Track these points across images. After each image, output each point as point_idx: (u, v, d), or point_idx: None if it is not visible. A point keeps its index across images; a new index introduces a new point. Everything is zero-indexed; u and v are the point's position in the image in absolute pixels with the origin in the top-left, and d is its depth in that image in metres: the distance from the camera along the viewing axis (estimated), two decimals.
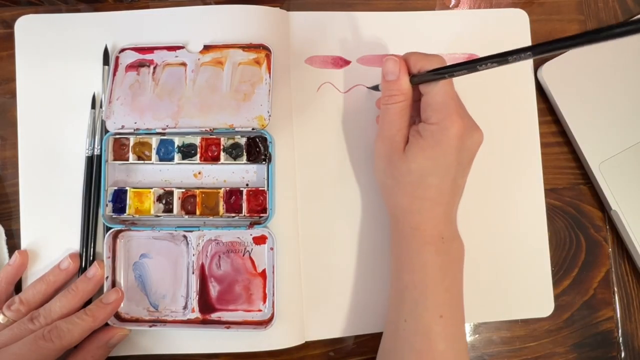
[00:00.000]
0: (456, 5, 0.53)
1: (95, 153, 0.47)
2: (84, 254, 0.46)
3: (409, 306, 0.41)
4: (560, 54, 0.51)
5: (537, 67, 0.52)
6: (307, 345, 0.48)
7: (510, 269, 0.49)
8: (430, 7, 0.53)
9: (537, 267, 0.50)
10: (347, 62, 0.51)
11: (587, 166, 0.50)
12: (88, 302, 0.45)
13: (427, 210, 0.41)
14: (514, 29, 0.53)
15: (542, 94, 0.52)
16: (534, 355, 0.50)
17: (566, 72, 0.51)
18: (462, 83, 0.51)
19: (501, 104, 0.51)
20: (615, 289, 0.51)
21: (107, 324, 0.44)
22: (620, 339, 0.51)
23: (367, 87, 0.50)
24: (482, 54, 0.51)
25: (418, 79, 0.41)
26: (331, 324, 0.48)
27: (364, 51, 0.51)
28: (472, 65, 0.37)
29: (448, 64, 0.39)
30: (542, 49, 0.32)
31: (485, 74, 0.51)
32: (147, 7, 0.50)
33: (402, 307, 0.41)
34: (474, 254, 0.46)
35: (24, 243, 0.47)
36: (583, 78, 0.51)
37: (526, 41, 0.52)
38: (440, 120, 0.39)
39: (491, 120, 0.51)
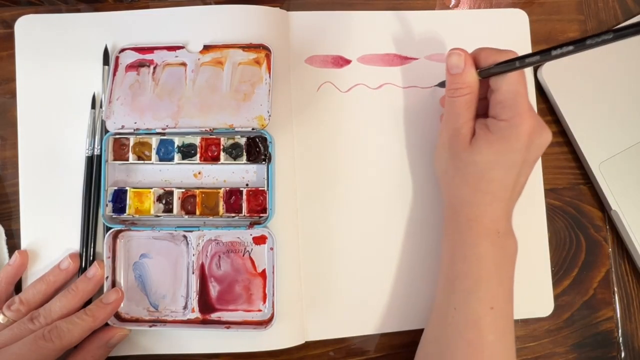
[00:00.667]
0: (456, 5, 0.53)
1: (95, 153, 0.47)
2: (84, 254, 0.46)
3: (461, 295, 0.41)
4: None
5: (537, 67, 0.52)
6: (307, 345, 0.48)
7: None
8: (430, 6, 0.53)
9: (537, 267, 0.50)
10: (347, 62, 0.51)
11: (587, 166, 0.50)
12: (88, 302, 0.45)
13: (487, 204, 0.41)
14: (514, 29, 0.53)
15: (542, 94, 0.52)
16: (534, 355, 0.50)
17: (566, 72, 0.51)
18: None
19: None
20: (615, 289, 0.51)
21: (107, 324, 0.44)
22: (620, 339, 0.51)
23: (435, 85, 0.50)
24: None
25: (487, 72, 0.41)
26: (331, 324, 0.48)
27: (365, 50, 0.51)
28: (545, 52, 0.37)
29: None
30: (625, 33, 0.33)
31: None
32: (147, 7, 0.50)
33: (452, 296, 0.41)
34: None
35: (24, 243, 0.47)
36: (583, 78, 0.51)
37: (526, 41, 0.52)
38: (510, 118, 0.39)
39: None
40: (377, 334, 0.49)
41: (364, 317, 0.48)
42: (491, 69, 0.40)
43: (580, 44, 0.35)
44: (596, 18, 0.54)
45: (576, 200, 0.52)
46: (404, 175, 0.50)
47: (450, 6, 0.53)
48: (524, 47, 0.52)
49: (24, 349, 0.39)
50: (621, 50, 0.52)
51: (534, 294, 0.50)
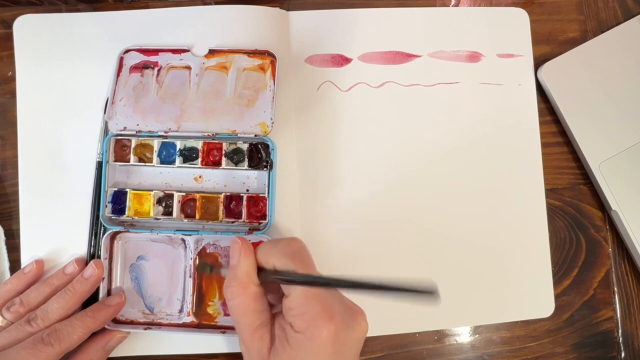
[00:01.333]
0: (456, 4, 0.53)
1: (97, 159, 0.47)
2: (88, 258, 0.46)
3: None
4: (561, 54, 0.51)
5: (537, 67, 0.52)
6: None
7: (510, 269, 0.49)
8: (431, 5, 0.52)
9: (537, 267, 0.50)
10: (347, 60, 0.51)
11: (587, 166, 0.50)
12: (85, 304, 0.44)
13: None
14: (514, 28, 0.52)
15: (542, 94, 0.52)
16: (534, 355, 0.50)
17: (566, 72, 0.51)
18: (461, 82, 0.51)
19: (501, 104, 0.51)
20: (615, 289, 0.51)
21: (104, 328, 0.44)
22: (620, 339, 0.51)
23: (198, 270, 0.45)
24: (482, 51, 0.52)
25: (264, 277, 0.37)
26: None
27: (365, 48, 0.51)
28: (322, 281, 0.35)
29: (289, 274, 0.36)
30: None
31: (485, 74, 0.51)
32: (147, 7, 0.49)
33: None
34: (474, 254, 0.46)
35: (24, 243, 0.47)
36: (583, 78, 0.51)
37: (527, 41, 0.52)
38: (304, 330, 0.34)
39: (491, 120, 0.51)
40: (376, 335, 0.48)
41: None
42: (268, 276, 0.37)
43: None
44: (596, 18, 0.54)
45: (576, 200, 0.52)
46: (406, 177, 0.50)
47: (451, 5, 0.53)
48: (524, 46, 0.52)
49: (22, 353, 0.39)
50: (621, 50, 0.52)
51: (534, 294, 0.50)
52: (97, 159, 0.47)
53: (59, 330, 0.40)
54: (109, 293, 0.45)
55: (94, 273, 0.44)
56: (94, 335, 0.43)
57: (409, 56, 0.51)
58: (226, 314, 0.45)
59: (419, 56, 0.51)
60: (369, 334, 0.48)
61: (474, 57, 0.52)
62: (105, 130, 0.47)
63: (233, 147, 0.46)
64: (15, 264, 0.47)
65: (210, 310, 0.45)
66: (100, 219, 0.46)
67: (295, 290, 0.35)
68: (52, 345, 0.39)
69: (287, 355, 0.35)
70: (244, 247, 0.38)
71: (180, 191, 0.46)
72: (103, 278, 0.45)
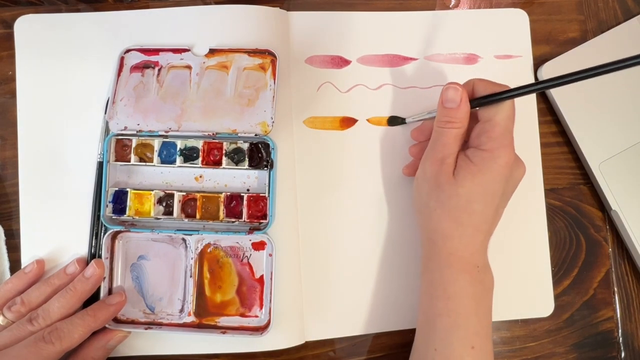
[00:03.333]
0: (456, 5, 0.53)
1: (98, 159, 0.47)
2: (89, 258, 0.46)
3: (441, 335, 0.40)
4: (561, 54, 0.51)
5: (537, 67, 0.52)
6: (307, 345, 0.48)
7: (510, 269, 0.49)
8: (430, 7, 0.52)
9: (537, 267, 0.50)
10: (347, 62, 0.51)
11: (587, 166, 0.50)
12: (86, 303, 0.44)
13: (468, 237, 0.41)
14: (514, 29, 0.53)
15: (542, 94, 0.52)
16: (534, 355, 0.50)
17: (566, 72, 0.51)
18: (461, 82, 0.51)
19: None
20: (615, 289, 0.51)
21: (105, 327, 0.44)
22: (620, 339, 0.51)
23: (389, 125, 0.50)
24: (482, 54, 0.52)
25: (478, 102, 0.41)
26: (331, 324, 0.48)
27: (364, 51, 0.51)
28: (540, 85, 0.39)
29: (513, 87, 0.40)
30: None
31: (484, 74, 0.51)
32: (147, 7, 0.49)
33: (432, 336, 0.41)
34: None
35: (24, 243, 0.47)
36: None
37: (526, 41, 0.52)
38: (494, 149, 0.40)
39: None
40: (377, 334, 0.49)
41: (363, 317, 0.48)
42: (484, 100, 0.41)
43: (582, 74, 0.37)
44: (596, 18, 0.54)
45: (576, 200, 0.52)
46: (404, 179, 0.50)
47: (450, 6, 0.53)
48: (524, 47, 0.52)
49: (23, 351, 0.39)
50: (621, 50, 0.52)
51: (534, 294, 0.50)
52: (98, 159, 0.47)
53: (60, 328, 0.40)
54: (110, 292, 0.45)
55: (94, 272, 0.44)
56: (94, 334, 0.43)
57: (406, 59, 0.51)
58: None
59: (416, 59, 0.51)
60: (370, 333, 0.48)
61: (471, 59, 0.52)
62: (106, 130, 0.47)
63: (233, 146, 0.46)
64: (15, 264, 0.47)
65: (219, 298, 0.45)
66: (101, 218, 0.46)
67: (501, 117, 0.40)
68: (53, 344, 0.39)
69: (469, 169, 0.40)
70: (463, 92, 0.41)
71: (181, 191, 0.46)
72: (104, 278, 0.45)
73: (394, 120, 0.49)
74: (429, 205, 0.42)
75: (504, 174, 0.40)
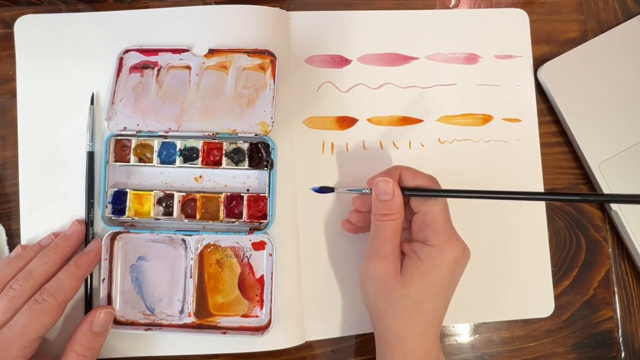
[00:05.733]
0: (456, 5, 0.53)
1: (87, 150, 0.47)
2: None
3: None
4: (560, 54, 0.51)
5: (537, 67, 0.52)
6: (307, 345, 0.48)
7: (510, 269, 0.49)
8: (430, 6, 0.52)
9: (537, 267, 0.50)
10: (347, 61, 0.51)
11: (587, 166, 0.50)
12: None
13: (421, 335, 0.40)
14: (514, 28, 0.53)
15: (542, 94, 0.52)
16: (534, 355, 0.50)
17: (566, 72, 0.51)
18: (458, 84, 0.51)
19: (501, 104, 0.51)
20: (615, 289, 0.51)
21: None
22: (620, 339, 0.51)
23: (314, 190, 0.46)
24: (482, 53, 0.52)
25: (410, 193, 0.41)
26: (331, 324, 0.48)
27: (365, 50, 0.51)
28: (479, 194, 0.40)
29: (441, 188, 0.41)
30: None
31: (484, 74, 0.52)
32: (147, 7, 0.49)
33: None
34: (474, 255, 0.46)
35: (24, 243, 0.47)
36: (583, 78, 0.51)
37: (526, 41, 0.52)
38: (441, 244, 0.39)
39: (491, 120, 0.51)
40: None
41: (363, 317, 0.48)
42: (418, 193, 0.41)
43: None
44: (596, 18, 0.54)
45: None
46: None
47: (451, 6, 0.53)
48: (524, 47, 0.52)
49: (22, 319, 0.39)
50: (621, 50, 0.52)
51: (534, 294, 0.50)
52: (88, 149, 0.47)
53: (48, 287, 0.41)
54: (109, 295, 0.45)
55: (76, 229, 0.45)
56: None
57: (407, 58, 0.51)
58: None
59: (417, 58, 0.51)
60: (370, 333, 0.48)
61: (472, 59, 0.52)
62: (92, 122, 0.47)
63: (233, 146, 0.46)
64: None
65: (219, 298, 0.45)
66: (100, 219, 0.46)
67: (435, 207, 0.40)
68: (48, 301, 0.40)
69: (418, 269, 0.39)
70: (394, 183, 0.41)
71: (181, 191, 0.46)
72: (103, 279, 0.45)
73: (323, 190, 0.46)
74: (378, 307, 0.41)
75: (453, 268, 0.39)
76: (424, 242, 0.40)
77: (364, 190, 0.43)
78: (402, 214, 0.41)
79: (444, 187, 0.42)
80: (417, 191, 0.41)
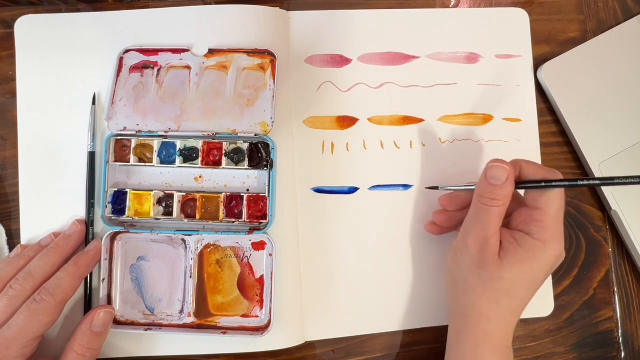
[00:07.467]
0: (456, 5, 0.53)
1: (89, 150, 0.47)
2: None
3: None
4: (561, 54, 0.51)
5: (537, 67, 0.52)
6: (307, 345, 0.48)
7: None
8: (431, 6, 0.52)
9: None
10: (347, 61, 0.51)
11: (587, 166, 0.50)
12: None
13: (505, 319, 0.40)
14: (514, 28, 0.53)
15: (542, 94, 0.52)
16: (533, 355, 0.50)
17: (566, 72, 0.51)
18: (458, 84, 0.51)
19: (501, 104, 0.51)
20: (615, 289, 0.51)
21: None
22: (620, 339, 0.51)
23: (427, 187, 0.48)
24: (482, 53, 0.52)
25: (525, 186, 0.41)
26: (331, 324, 0.48)
27: (365, 49, 0.51)
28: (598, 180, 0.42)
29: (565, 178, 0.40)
30: None
31: (485, 74, 0.52)
32: (147, 7, 0.49)
33: None
34: None
35: (24, 243, 0.47)
36: (583, 78, 0.51)
37: (526, 41, 0.52)
38: (546, 240, 0.39)
39: (491, 120, 0.51)
40: (377, 334, 0.49)
41: (363, 317, 0.48)
42: (534, 185, 0.40)
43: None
44: (596, 18, 0.54)
45: (576, 200, 0.52)
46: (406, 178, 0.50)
47: (451, 6, 0.53)
48: (524, 46, 0.52)
49: (20, 319, 0.39)
50: (621, 50, 0.52)
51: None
52: (89, 150, 0.47)
53: (47, 287, 0.41)
54: (109, 295, 0.45)
55: (76, 229, 0.45)
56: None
57: (408, 57, 0.51)
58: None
59: (418, 57, 0.51)
60: (370, 333, 0.48)
61: (472, 58, 0.52)
62: (94, 123, 0.47)
63: (233, 146, 0.46)
64: None
65: (219, 298, 0.45)
66: (100, 219, 0.45)
67: (553, 208, 0.40)
68: (46, 301, 0.40)
69: (518, 255, 0.39)
70: (510, 171, 0.40)
71: (181, 191, 0.46)
72: (103, 279, 0.45)
73: (430, 188, 0.48)
74: (467, 281, 0.41)
75: (552, 264, 0.40)
76: (528, 234, 0.40)
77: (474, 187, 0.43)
78: (508, 203, 0.40)
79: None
80: (532, 183, 0.40)
